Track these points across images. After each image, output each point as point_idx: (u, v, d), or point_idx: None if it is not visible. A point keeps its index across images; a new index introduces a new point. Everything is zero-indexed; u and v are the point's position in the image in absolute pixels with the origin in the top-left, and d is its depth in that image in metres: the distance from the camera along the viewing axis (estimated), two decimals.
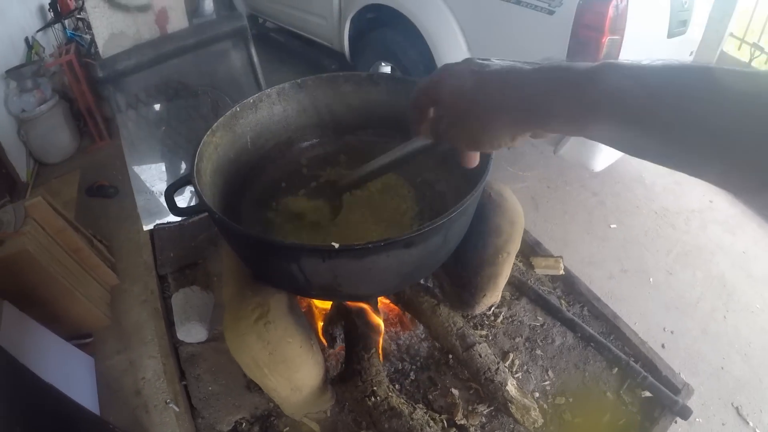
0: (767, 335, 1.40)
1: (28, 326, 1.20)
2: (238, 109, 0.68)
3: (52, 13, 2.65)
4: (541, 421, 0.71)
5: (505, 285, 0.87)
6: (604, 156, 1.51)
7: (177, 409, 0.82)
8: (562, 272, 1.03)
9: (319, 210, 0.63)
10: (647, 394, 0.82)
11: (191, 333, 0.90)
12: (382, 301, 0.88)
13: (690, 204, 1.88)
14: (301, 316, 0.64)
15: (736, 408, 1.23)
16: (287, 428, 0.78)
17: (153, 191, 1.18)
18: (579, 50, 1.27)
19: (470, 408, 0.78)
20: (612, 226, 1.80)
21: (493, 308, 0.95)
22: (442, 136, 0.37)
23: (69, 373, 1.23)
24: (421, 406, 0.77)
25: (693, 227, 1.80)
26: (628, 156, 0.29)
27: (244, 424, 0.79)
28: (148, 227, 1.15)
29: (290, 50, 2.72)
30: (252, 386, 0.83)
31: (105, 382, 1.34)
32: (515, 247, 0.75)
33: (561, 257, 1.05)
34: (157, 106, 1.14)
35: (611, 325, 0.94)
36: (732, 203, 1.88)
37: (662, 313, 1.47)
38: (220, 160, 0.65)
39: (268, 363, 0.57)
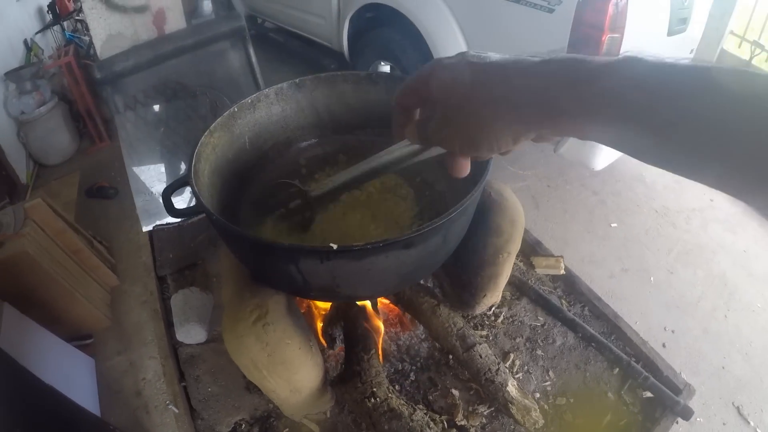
0: None
1: (28, 328, 1.20)
2: (236, 109, 0.67)
3: (50, 15, 2.64)
4: (541, 421, 0.71)
5: (506, 285, 0.87)
6: (605, 155, 1.51)
7: (176, 411, 0.81)
8: (562, 272, 1.03)
9: (292, 229, 0.58)
10: (648, 394, 0.81)
11: (190, 334, 0.90)
12: (382, 301, 0.88)
13: (691, 203, 1.87)
14: (300, 317, 0.63)
15: (737, 407, 1.22)
16: (287, 429, 0.78)
17: (152, 192, 1.18)
18: (579, 48, 1.27)
19: (470, 409, 0.78)
20: (613, 225, 1.79)
21: (493, 308, 0.95)
22: (431, 138, 0.32)
23: (69, 374, 1.23)
24: (421, 406, 0.77)
25: (694, 226, 1.79)
26: None
27: (243, 426, 0.79)
28: (147, 228, 1.15)
29: (289, 50, 2.72)
30: (251, 387, 0.83)
31: (105, 383, 1.34)
32: (516, 246, 0.75)
33: (562, 257, 1.05)
34: (155, 107, 1.14)
35: (612, 325, 0.94)
36: (733, 202, 1.87)
37: (663, 312, 1.46)
38: (218, 161, 0.64)
39: (267, 365, 0.56)
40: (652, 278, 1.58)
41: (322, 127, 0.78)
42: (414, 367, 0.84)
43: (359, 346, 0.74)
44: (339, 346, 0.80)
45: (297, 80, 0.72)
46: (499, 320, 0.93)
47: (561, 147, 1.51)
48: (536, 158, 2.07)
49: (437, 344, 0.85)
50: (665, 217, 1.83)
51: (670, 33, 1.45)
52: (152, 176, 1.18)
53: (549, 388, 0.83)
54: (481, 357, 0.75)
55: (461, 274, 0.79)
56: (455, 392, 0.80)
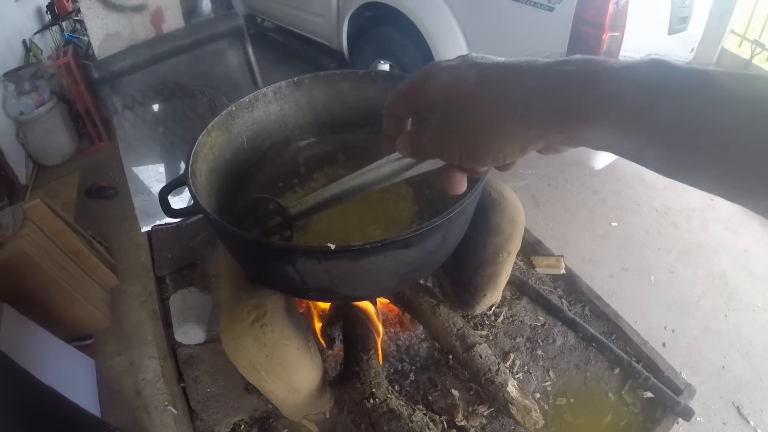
0: None
1: (27, 329, 1.20)
2: (233, 108, 0.67)
3: (49, 15, 2.64)
4: (542, 422, 0.70)
5: (506, 284, 0.86)
6: (605, 154, 1.50)
7: (175, 412, 0.81)
8: (563, 271, 1.02)
9: None
10: (649, 394, 0.81)
11: (189, 335, 0.90)
12: (381, 301, 0.88)
13: (691, 202, 1.87)
14: (298, 317, 0.63)
15: (737, 407, 1.22)
16: (286, 430, 0.77)
17: (150, 192, 1.17)
18: (579, 47, 1.26)
19: (470, 409, 0.78)
20: (613, 224, 1.79)
21: (493, 308, 0.94)
22: (427, 148, 0.28)
23: (69, 374, 1.23)
24: (420, 407, 0.77)
25: (694, 225, 1.79)
26: None
27: (242, 426, 0.79)
28: (145, 229, 1.15)
29: (289, 49, 2.72)
30: (250, 388, 0.82)
31: (105, 384, 1.33)
32: (516, 246, 0.74)
33: (562, 256, 1.04)
34: (153, 107, 1.14)
35: (613, 325, 0.93)
36: None
37: (663, 311, 1.46)
38: (215, 161, 0.64)
39: (265, 366, 0.56)
40: (652, 277, 1.58)
41: (321, 125, 0.77)
42: (413, 368, 0.84)
43: (358, 346, 0.73)
44: (338, 346, 0.80)
45: (295, 79, 0.72)
46: (499, 320, 0.93)
47: None
48: (536, 157, 2.04)
49: (437, 344, 0.85)
50: (666, 216, 1.82)
51: (670, 32, 1.44)
52: (151, 176, 1.18)
53: (549, 389, 0.83)
54: (481, 357, 0.74)
55: (461, 274, 0.78)
56: (455, 392, 0.79)
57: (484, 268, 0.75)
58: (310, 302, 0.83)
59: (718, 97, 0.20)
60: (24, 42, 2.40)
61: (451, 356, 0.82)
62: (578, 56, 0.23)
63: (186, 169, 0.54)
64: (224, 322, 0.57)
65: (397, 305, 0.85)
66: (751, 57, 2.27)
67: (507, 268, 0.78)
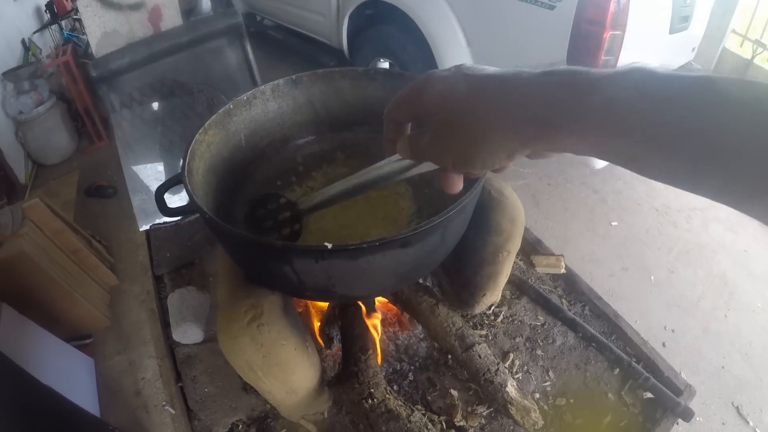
0: None
1: (26, 328, 1.19)
2: (231, 106, 0.66)
3: (48, 14, 2.63)
4: (541, 422, 0.70)
5: (506, 284, 0.86)
6: None
7: (173, 412, 0.81)
8: (563, 271, 1.02)
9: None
10: (649, 395, 0.80)
11: (187, 334, 0.89)
12: (380, 300, 0.87)
13: (691, 202, 1.86)
14: (295, 317, 0.63)
15: (737, 407, 1.22)
16: (284, 430, 0.77)
17: (149, 191, 1.17)
18: (580, 46, 1.26)
19: (469, 409, 0.77)
20: (613, 223, 1.78)
21: (493, 308, 0.94)
22: (423, 153, 0.31)
23: (69, 374, 1.23)
24: (419, 407, 0.76)
25: (694, 225, 1.78)
26: None
27: (240, 426, 0.79)
28: (144, 228, 1.14)
29: (289, 48, 2.71)
30: (248, 388, 0.82)
31: (105, 383, 1.33)
32: (515, 245, 0.74)
33: (562, 255, 1.04)
34: (152, 105, 1.13)
35: (613, 325, 0.93)
36: None
37: (663, 311, 1.46)
38: (213, 159, 0.63)
39: (262, 366, 0.56)
40: (652, 277, 1.57)
41: (320, 124, 0.77)
42: (412, 367, 0.84)
43: (356, 345, 0.73)
44: (337, 345, 0.80)
45: (294, 77, 0.71)
46: (499, 320, 0.92)
47: None
48: None
49: (436, 344, 0.84)
50: (666, 216, 1.82)
51: (672, 31, 1.43)
52: (149, 175, 1.17)
53: (549, 389, 0.82)
54: (480, 357, 0.74)
55: (460, 273, 0.78)
56: (454, 392, 0.79)
57: (484, 268, 0.74)
58: (308, 301, 0.83)
59: (721, 100, 0.20)
60: (23, 41, 2.39)
61: (450, 356, 0.82)
62: (563, 67, 0.25)
63: (182, 167, 0.54)
64: (221, 321, 0.56)
65: (396, 304, 0.85)
66: (753, 57, 2.27)
67: (507, 268, 0.78)
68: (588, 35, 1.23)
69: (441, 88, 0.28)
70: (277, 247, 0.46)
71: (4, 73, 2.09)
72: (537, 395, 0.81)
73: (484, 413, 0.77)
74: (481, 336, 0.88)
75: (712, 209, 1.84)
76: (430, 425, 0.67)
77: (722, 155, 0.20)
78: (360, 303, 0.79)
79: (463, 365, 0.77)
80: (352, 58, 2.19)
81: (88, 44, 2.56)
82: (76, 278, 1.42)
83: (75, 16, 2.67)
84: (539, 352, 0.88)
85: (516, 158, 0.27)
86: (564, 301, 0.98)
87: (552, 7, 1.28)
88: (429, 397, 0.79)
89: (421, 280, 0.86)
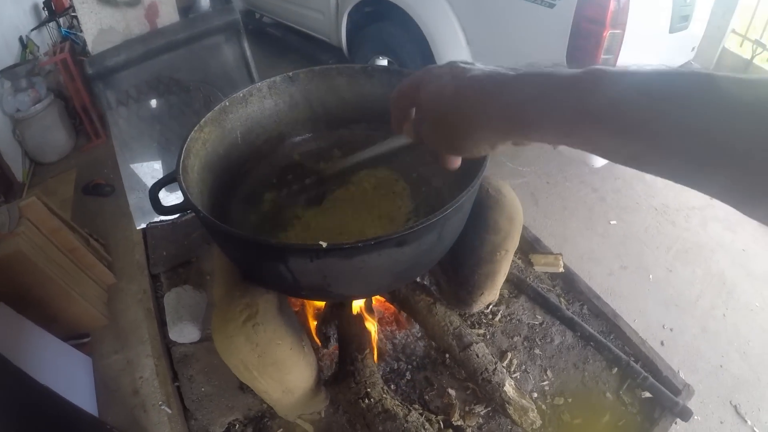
0: (766, 334, 1.39)
1: (24, 327, 1.19)
2: (227, 103, 0.66)
3: (46, 12, 2.62)
4: (539, 422, 0.70)
5: (504, 283, 0.86)
6: None
7: (169, 411, 0.81)
8: (561, 270, 1.02)
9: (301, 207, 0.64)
10: (647, 394, 0.80)
11: (183, 333, 0.89)
12: (377, 299, 0.87)
13: (690, 201, 1.86)
14: (291, 316, 0.62)
15: (735, 406, 1.22)
16: (281, 429, 0.77)
17: (146, 189, 1.16)
18: (580, 44, 1.25)
19: (467, 409, 0.77)
20: (612, 222, 1.78)
21: (491, 306, 0.94)
22: (422, 137, 0.37)
23: (66, 373, 1.22)
24: (416, 406, 0.76)
25: (693, 224, 1.78)
26: None
27: (237, 426, 0.78)
28: (140, 226, 1.14)
29: (287, 45, 2.70)
30: (245, 387, 0.82)
31: (103, 382, 1.33)
32: (514, 244, 0.74)
33: (561, 254, 1.04)
34: (148, 103, 1.12)
35: (611, 324, 0.93)
36: None
37: (661, 310, 1.46)
38: (208, 157, 0.63)
39: (258, 365, 0.55)
40: (651, 276, 1.57)
41: (316, 121, 0.76)
42: (410, 367, 0.83)
43: (353, 345, 0.73)
44: (333, 344, 0.79)
45: (290, 73, 0.71)
46: (497, 319, 0.92)
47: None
48: (536, 155, 2.06)
49: (433, 343, 0.84)
50: (665, 215, 1.82)
51: (672, 30, 1.43)
52: (146, 173, 1.17)
53: (547, 388, 0.82)
54: (477, 356, 0.73)
55: (458, 272, 0.78)
56: (451, 392, 0.79)
57: (482, 266, 0.74)
58: (305, 300, 0.82)
59: (721, 98, 0.20)
60: (20, 38, 2.38)
61: (447, 355, 0.82)
62: (532, 71, 0.28)
63: (177, 165, 0.53)
64: (216, 320, 0.56)
65: (393, 303, 0.85)
66: (752, 57, 2.26)
67: (505, 266, 0.78)
68: (588, 34, 1.23)
69: (432, 87, 0.33)
70: (272, 245, 0.46)
71: (1, 71, 2.08)
72: (535, 394, 0.81)
73: (482, 413, 0.76)
74: (478, 335, 0.88)
75: (711, 208, 1.84)
76: (427, 425, 0.66)
77: (723, 155, 0.20)
78: (357, 302, 0.78)
79: (460, 364, 0.77)
80: (351, 55, 2.18)
81: (85, 41, 2.55)
82: (73, 277, 1.41)
83: (73, 13, 2.65)
84: (537, 351, 0.87)
85: (498, 147, 0.32)
86: (562, 300, 0.98)
87: (552, 6, 1.27)
88: (426, 397, 0.79)
89: (418, 279, 0.86)
